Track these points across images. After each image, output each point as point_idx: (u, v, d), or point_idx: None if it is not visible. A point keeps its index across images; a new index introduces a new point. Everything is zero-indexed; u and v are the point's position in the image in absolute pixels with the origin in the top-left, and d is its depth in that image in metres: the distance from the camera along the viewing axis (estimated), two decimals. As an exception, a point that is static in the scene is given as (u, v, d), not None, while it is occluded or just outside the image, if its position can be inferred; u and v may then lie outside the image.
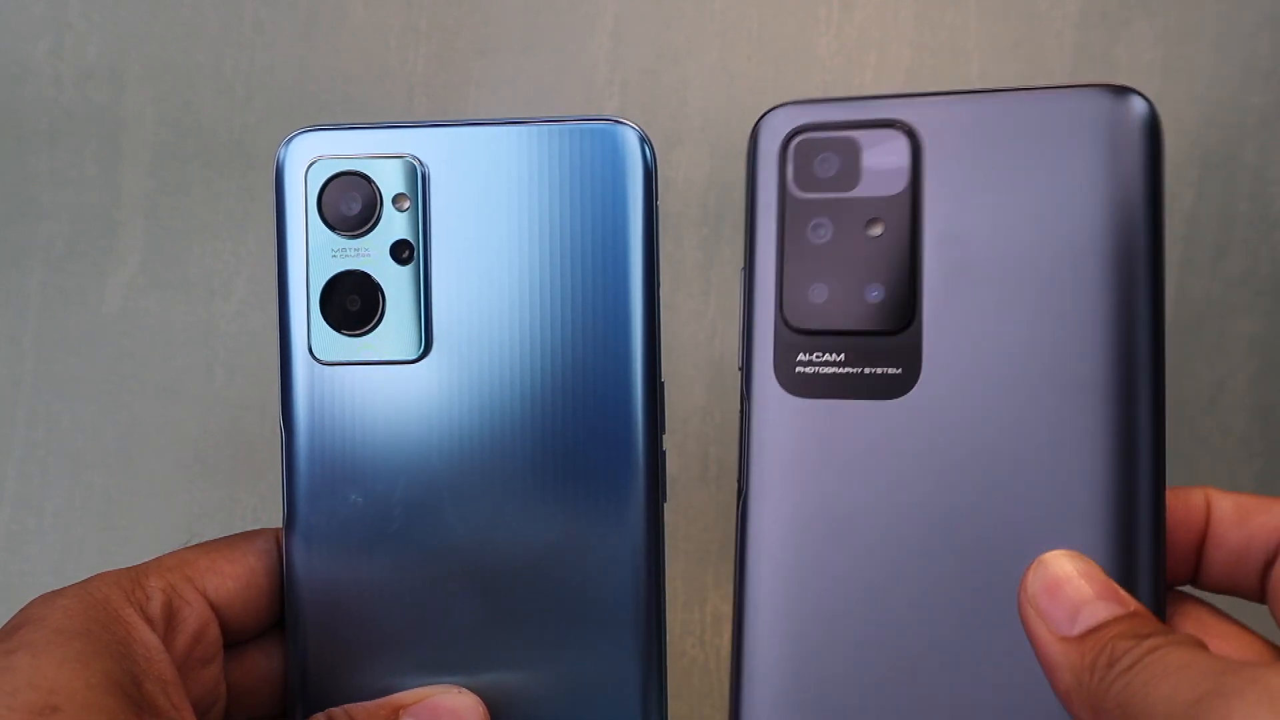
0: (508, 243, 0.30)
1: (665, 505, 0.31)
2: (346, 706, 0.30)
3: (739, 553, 0.29)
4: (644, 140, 0.30)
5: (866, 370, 0.28)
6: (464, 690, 0.30)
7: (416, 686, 0.30)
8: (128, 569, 0.28)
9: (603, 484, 0.30)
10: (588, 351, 0.30)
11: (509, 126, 0.30)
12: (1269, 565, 0.27)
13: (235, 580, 0.30)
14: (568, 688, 0.30)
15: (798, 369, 0.29)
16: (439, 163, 0.30)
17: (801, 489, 0.28)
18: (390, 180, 0.30)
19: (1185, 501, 0.28)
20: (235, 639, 0.30)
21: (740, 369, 0.30)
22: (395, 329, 0.30)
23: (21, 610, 0.26)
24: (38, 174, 0.48)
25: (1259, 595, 0.28)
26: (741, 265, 0.30)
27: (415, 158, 0.30)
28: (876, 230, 0.28)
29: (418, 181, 0.30)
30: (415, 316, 0.30)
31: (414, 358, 0.30)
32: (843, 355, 0.29)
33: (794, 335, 0.29)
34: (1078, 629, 0.24)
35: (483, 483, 0.30)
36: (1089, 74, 0.46)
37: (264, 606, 0.31)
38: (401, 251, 0.30)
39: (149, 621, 0.27)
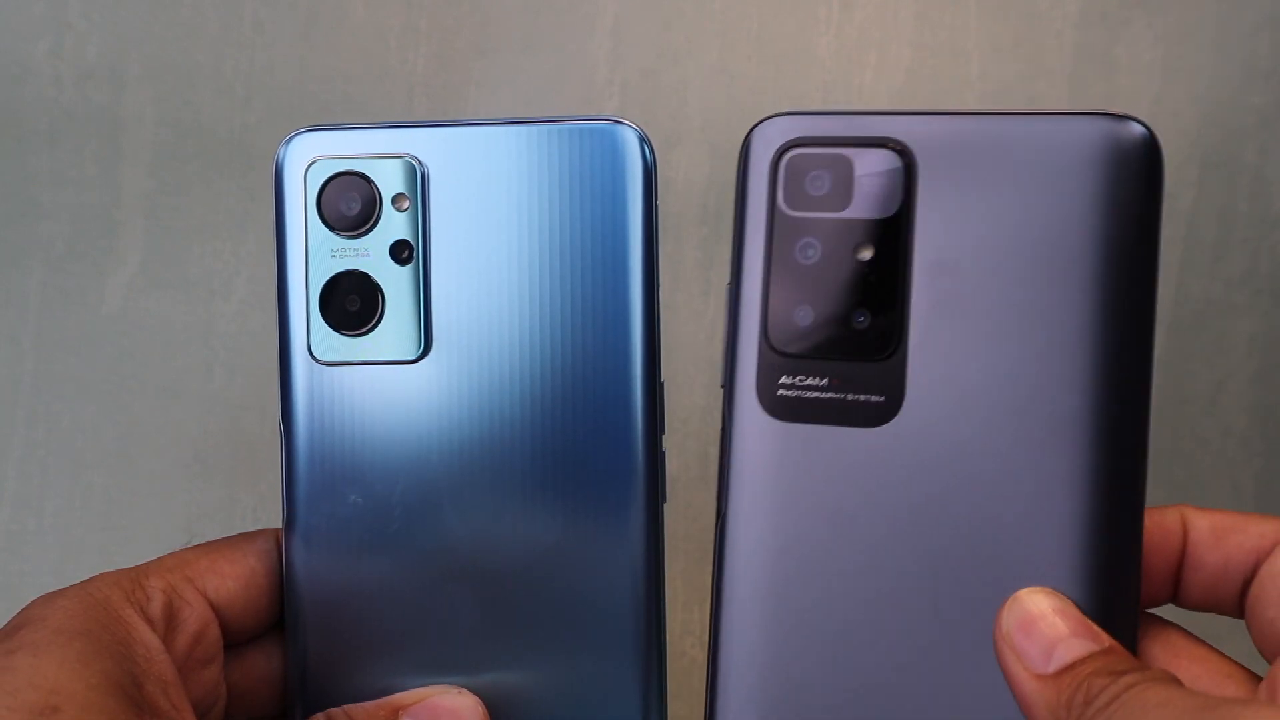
0: (507, 243, 0.30)
1: (665, 505, 0.31)
2: (346, 707, 0.30)
3: (716, 573, 0.29)
4: (643, 140, 0.30)
5: (849, 396, 0.28)
6: (463, 690, 0.30)
7: (416, 687, 0.30)
8: (128, 570, 0.28)
9: (602, 484, 0.30)
10: (587, 352, 0.30)
11: (508, 126, 0.30)
12: (1247, 584, 0.27)
13: (235, 581, 0.30)
14: (567, 688, 0.30)
15: (780, 391, 0.28)
16: (438, 163, 0.30)
17: (779, 514, 0.28)
18: (390, 180, 0.30)
19: (1161, 524, 0.28)
20: (236, 639, 0.30)
21: (723, 386, 0.29)
22: (395, 329, 0.30)
23: (22, 611, 0.26)
24: (38, 174, 0.48)
25: (1239, 613, 0.28)
26: (728, 280, 0.29)
27: (415, 158, 0.30)
28: (866, 254, 0.28)
29: (417, 181, 0.30)
30: (415, 317, 0.30)
31: (413, 358, 0.30)
32: (826, 380, 0.28)
33: (777, 357, 0.28)
34: (1053, 666, 0.24)
35: (482, 483, 0.30)
36: (1089, 74, 0.46)
37: (264, 607, 0.31)
38: (401, 251, 0.30)
39: (149, 622, 0.27)
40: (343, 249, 0.30)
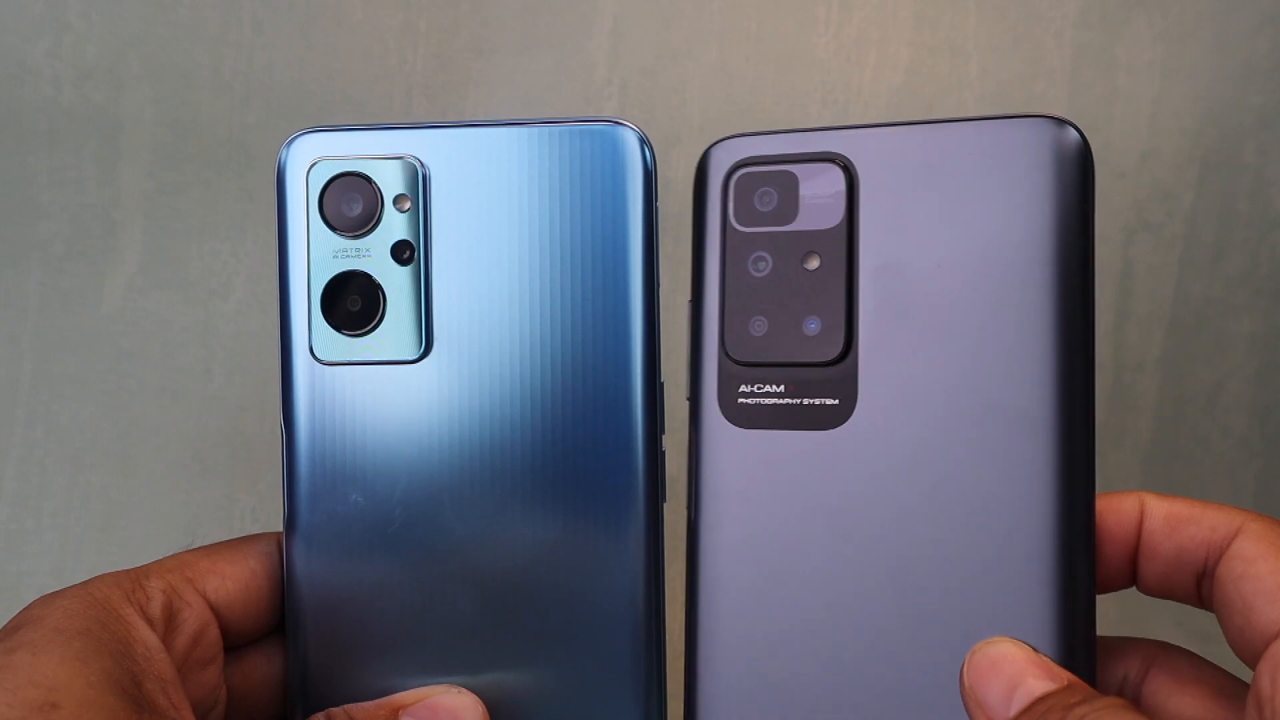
0: (508, 244, 0.30)
1: (665, 505, 0.31)
2: (346, 706, 0.30)
3: (690, 577, 0.30)
4: (643, 141, 0.30)
5: (805, 401, 0.29)
6: (463, 690, 0.30)
7: (416, 687, 0.30)
8: (129, 570, 0.28)
9: (603, 484, 0.30)
10: (588, 352, 0.30)
11: (509, 128, 0.30)
12: (1201, 575, 0.27)
13: (235, 582, 0.30)
14: (567, 688, 0.30)
15: (740, 400, 0.29)
16: (440, 164, 0.30)
17: (747, 518, 0.29)
18: (391, 181, 0.30)
19: (1117, 510, 0.28)
20: (236, 642, 0.30)
21: (688, 399, 0.30)
22: (395, 329, 0.30)
23: (22, 611, 0.26)
24: (37, 174, 0.48)
25: (1198, 603, 0.28)
26: (689, 297, 0.31)
27: (416, 159, 0.30)
28: (813, 263, 0.29)
29: (418, 182, 0.30)
30: (415, 317, 0.30)
31: (414, 358, 0.30)
32: (782, 386, 0.29)
33: (735, 367, 0.30)
34: (1013, 710, 0.24)
35: (483, 483, 0.30)
36: (1089, 74, 0.46)
37: (264, 609, 0.30)
38: (402, 252, 0.30)
39: (149, 622, 0.27)
40: (344, 249, 0.30)
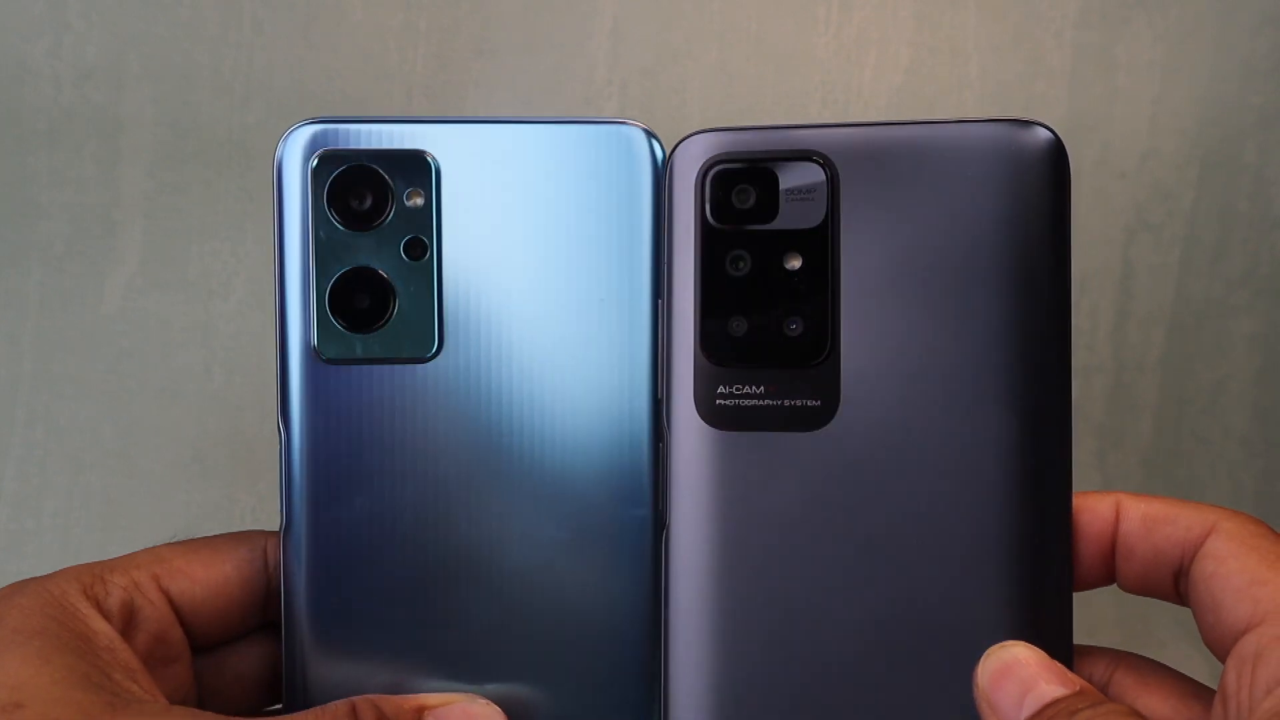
0: (520, 241, 0.30)
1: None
2: (372, 697, 0.29)
3: (664, 583, 0.29)
4: (655, 141, 0.30)
5: (786, 402, 0.29)
6: (489, 702, 0.30)
7: (417, 691, 0.30)
8: (94, 563, 0.28)
9: (611, 486, 0.30)
10: (600, 351, 0.30)
11: (521, 124, 0.30)
12: (1179, 574, 0.28)
13: (204, 587, 0.29)
14: (571, 692, 0.30)
15: (718, 401, 0.29)
16: (451, 159, 0.30)
17: (723, 522, 0.29)
18: (403, 175, 0.30)
19: (1092, 510, 0.28)
20: (204, 643, 0.30)
21: (660, 399, 0.30)
22: (407, 327, 0.30)
23: None
24: (37, 174, 0.48)
25: (1177, 600, 0.28)
26: (661, 296, 0.30)
27: (428, 153, 0.30)
28: (794, 263, 0.29)
29: (431, 177, 0.30)
30: (428, 314, 0.30)
31: (427, 356, 0.30)
32: (762, 387, 0.29)
33: (713, 367, 0.29)
34: (1024, 714, 0.25)
35: (490, 484, 0.30)
36: (1089, 74, 0.46)
37: (235, 615, 0.30)
38: (414, 248, 0.30)
39: (105, 616, 0.27)
40: (353, 245, 0.30)
